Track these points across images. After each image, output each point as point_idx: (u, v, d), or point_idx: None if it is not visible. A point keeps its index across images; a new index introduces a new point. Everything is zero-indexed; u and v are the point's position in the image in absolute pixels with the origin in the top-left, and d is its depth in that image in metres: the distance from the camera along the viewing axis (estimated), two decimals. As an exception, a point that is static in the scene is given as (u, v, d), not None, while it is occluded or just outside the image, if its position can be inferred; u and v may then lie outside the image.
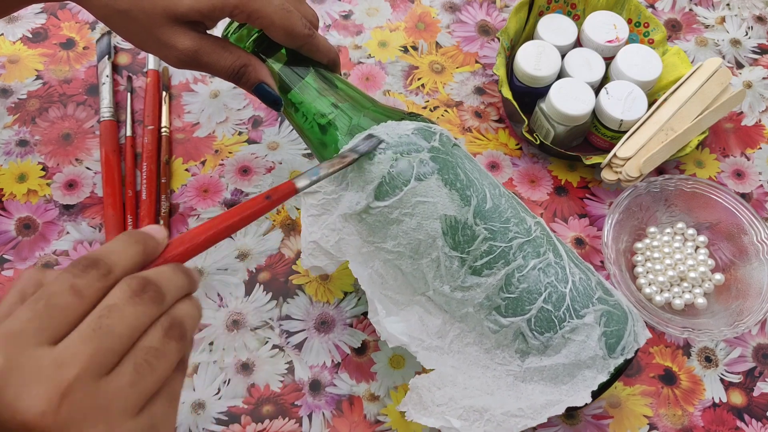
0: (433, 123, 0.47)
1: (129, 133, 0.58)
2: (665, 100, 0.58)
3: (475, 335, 0.45)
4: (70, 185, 0.56)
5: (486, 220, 0.44)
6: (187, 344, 0.32)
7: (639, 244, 0.56)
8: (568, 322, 0.43)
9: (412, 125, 0.45)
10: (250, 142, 0.59)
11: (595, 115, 0.58)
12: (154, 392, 0.30)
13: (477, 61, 0.64)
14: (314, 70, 0.48)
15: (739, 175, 0.61)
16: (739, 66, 0.66)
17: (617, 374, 0.44)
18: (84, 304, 0.29)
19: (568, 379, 0.44)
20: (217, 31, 0.56)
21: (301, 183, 0.40)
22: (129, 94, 0.59)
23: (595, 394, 0.44)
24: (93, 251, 0.31)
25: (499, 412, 0.43)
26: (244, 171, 0.57)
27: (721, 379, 0.52)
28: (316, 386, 0.50)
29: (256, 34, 0.47)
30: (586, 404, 0.43)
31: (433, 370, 0.44)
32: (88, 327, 0.28)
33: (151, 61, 0.60)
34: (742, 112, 0.64)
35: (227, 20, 0.47)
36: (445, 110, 0.62)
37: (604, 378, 0.44)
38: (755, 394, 0.52)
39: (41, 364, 0.27)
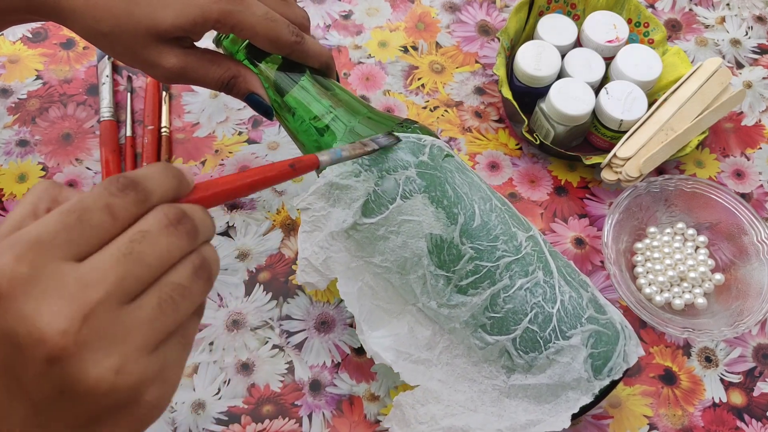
0: (427, 131, 0.47)
1: (129, 133, 0.58)
2: (665, 100, 0.58)
3: (464, 348, 0.45)
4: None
5: (473, 239, 0.44)
6: (210, 288, 0.30)
7: (639, 244, 0.56)
8: (554, 343, 0.43)
9: (401, 139, 0.45)
10: (250, 142, 0.59)
11: (595, 115, 0.58)
12: (171, 332, 0.29)
13: (477, 61, 0.64)
14: (309, 75, 0.47)
15: (739, 175, 0.61)
16: (739, 66, 0.66)
17: (602, 396, 0.44)
18: (116, 226, 0.28)
19: (551, 398, 0.44)
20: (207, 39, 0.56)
21: (323, 158, 0.40)
22: (129, 94, 0.59)
23: (577, 416, 0.43)
24: (131, 172, 0.29)
25: None
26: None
27: (721, 379, 0.52)
28: (316, 386, 0.50)
29: (247, 40, 0.47)
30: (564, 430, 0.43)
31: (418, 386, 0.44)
32: (118, 250, 0.27)
33: (151, 61, 0.60)
34: (742, 112, 0.64)
35: None
36: (445, 110, 0.62)
37: (587, 400, 0.43)
38: (755, 394, 0.52)
39: (66, 280, 0.26)
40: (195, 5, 0.43)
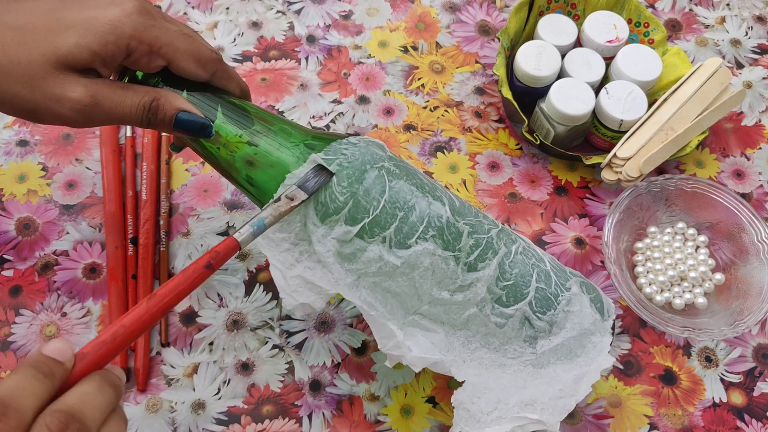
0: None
1: (129, 133, 0.58)
2: (665, 100, 0.58)
3: (480, 338, 0.45)
4: (70, 185, 0.56)
5: (462, 216, 0.44)
6: None
7: (639, 244, 0.56)
8: (562, 296, 0.45)
9: (364, 139, 0.43)
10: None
11: (595, 115, 0.58)
12: None
13: (477, 61, 0.64)
14: (226, 101, 0.43)
15: (739, 175, 0.61)
16: (739, 66, 0.66)
17: (612, 334, 0.47)
18: None
19: (580, 350, 0.45)
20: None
21: (243, 237, 0.37)
22: (129, 94, 0.59)
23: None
24: None
25: (546, 398, 0.43)
26: (244, 171, 0.57)
27: (722, 379, 0.52)
28: (316, 386, 0.50)
29: (155, 79, 0.42)
30: (609, 371, 0.45)
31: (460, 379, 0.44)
32: None
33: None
34: (742, 112, 0.64)
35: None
36: (445, 110, 0.62)
37: (609, 339, 0.45)
38: (755, 394, 0.52)
39: None
40: (102, 23, 0.37)
